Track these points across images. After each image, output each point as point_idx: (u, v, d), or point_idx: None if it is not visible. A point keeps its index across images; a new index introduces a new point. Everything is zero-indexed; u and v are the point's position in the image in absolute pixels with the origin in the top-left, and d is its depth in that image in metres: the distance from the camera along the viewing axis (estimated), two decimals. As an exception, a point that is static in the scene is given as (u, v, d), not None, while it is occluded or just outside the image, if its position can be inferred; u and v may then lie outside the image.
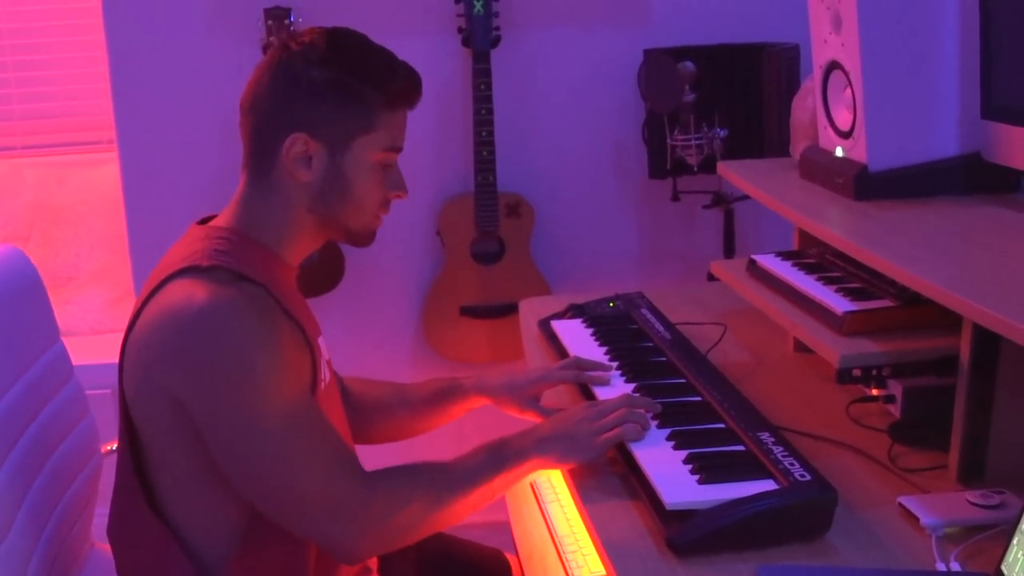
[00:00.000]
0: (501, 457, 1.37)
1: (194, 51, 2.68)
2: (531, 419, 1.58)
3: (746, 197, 2.56)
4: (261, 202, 1.37)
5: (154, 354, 1.28)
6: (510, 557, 1.72)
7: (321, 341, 1.46)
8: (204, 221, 1.43)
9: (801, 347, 1.80)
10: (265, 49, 2.57)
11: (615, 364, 1.62)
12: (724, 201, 2.57)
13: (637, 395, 1.46)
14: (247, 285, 1.30)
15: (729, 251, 2.62)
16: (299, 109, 1.33)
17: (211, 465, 1.30)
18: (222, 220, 1.39)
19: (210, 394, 1.25)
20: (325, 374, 1.42)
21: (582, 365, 1.61)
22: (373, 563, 1.55)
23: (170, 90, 2.70)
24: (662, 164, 2.60)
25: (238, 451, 1.26)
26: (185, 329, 1.25)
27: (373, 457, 1.43)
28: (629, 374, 1.59)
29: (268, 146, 1.35)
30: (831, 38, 1.70)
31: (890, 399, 1.52)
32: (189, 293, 1.27)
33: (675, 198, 2.63)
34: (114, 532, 1.42)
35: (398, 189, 1.42)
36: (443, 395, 1.65)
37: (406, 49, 1.48)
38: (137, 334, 1.31)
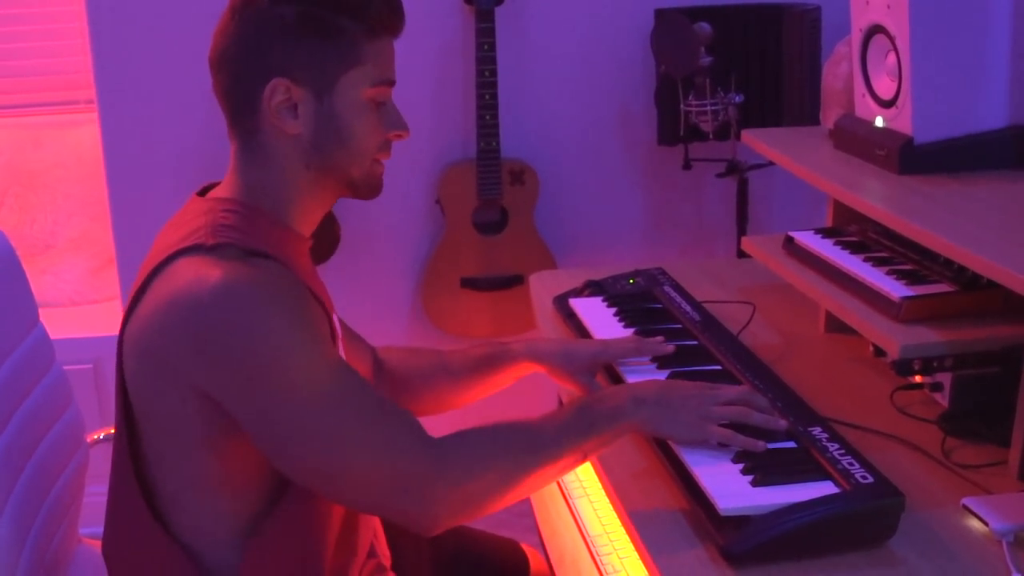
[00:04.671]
0: (592, 417, 1.24)
1: (180, 3, 2.53)
2: (583, 395, 1.46)
3: (761, 166, 2.47)
4: (255, 168, 1.25)
5: (168, 344, 1.15)
6: (526, 548, 1.63)
7: (335, 320, 1.35)
8: (204, 191, 1.30)
9: (832, 327, 1.71)
10: None
11: (644, 348, 1.52)
12: (738, 170, 2.47)
13: (759, 396, 1.30)
14: (259, 260, 1.18)
15: (742, 222, 2.52)
16: (273, 53, 1.21)
17: (220, 465, 1.19)
18: (222, 191, 1.27)
19: (244, 382, 1.13)
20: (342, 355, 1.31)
21: (643, 340, 1.49)
22: (386, 557, 1.46)
23: (153, 46, 2.55)
24: (674, 130, 2.49)
25: (287, 437, 1.14)
26: (204, 313, 1.12)
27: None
28: (661, 360, 1.49)
29: (247, 102, 1.23)
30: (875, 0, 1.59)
31: (937, 387, 1.44)
32: (200, 273, 1.14)
33: (687, 166, 2.52)
34: (111, 543, 1.30)
35: (397, 128, 1.29)
36: (489, 361, 1.52)
37: (404, 5, 1.35)
38: (141, 322, 1.18)
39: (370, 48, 1.23)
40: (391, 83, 1.27)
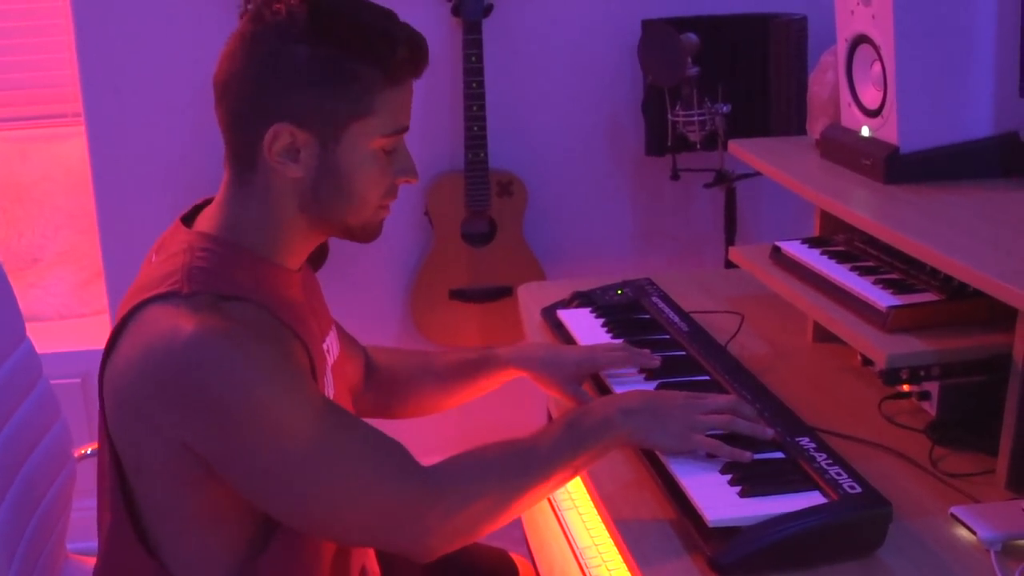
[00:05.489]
0: (581, 432, 1.22)
1: (166, 16, 2.53)
2: (569, 403, 1.46)
3: (748, 176, 2.48)
4: (246, 203, 1.20)
5: (145, 397, 1.12)
6: (515, 557, 1.63)
7: (329, 341, 1.33)
8: (194, 212, 1.26)
9: (820, 336, 1.71)
10: (242, 16, 2.42)
11: (632, 359, 1.52)
12: (726, 180, 2.47)
13: (746, 405, 1.30)
14: (235, 306, 1.14)
15: (731, 232, 2.52)
16: (280, 96, 1.14)
17: (208, 507, 1.17)
18: (206, 223, 1.22)
19: (225, 438, 1.10)
20: (329, 389, 1.28)
21: (631, 350, 1.49)
22: (375, 571, 1.45)
23: (141, 59, 2.55)
24: (662, 140, 2.50)
25: (272, 487, 1.13)
26: (178, 367, 1.09)
27: (404, 432, 1.28)
28: (648, 370, 1.49)
29: (248, 138, 1.16)
30: (859, 9, 1.60)
31: (924, 396, 1.44)
32: (173, 326, 1.10)
33: (675, 176, 2.52)
34: (105, 573, 1.28)
35: (406, 174, 1.22)
36: (476, 365, 1.51)
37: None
38: (118, 370, 1.15)
39: (385, 96, 1.16)
40: (404, 130, 1.20)
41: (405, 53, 1.16)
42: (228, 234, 1.20)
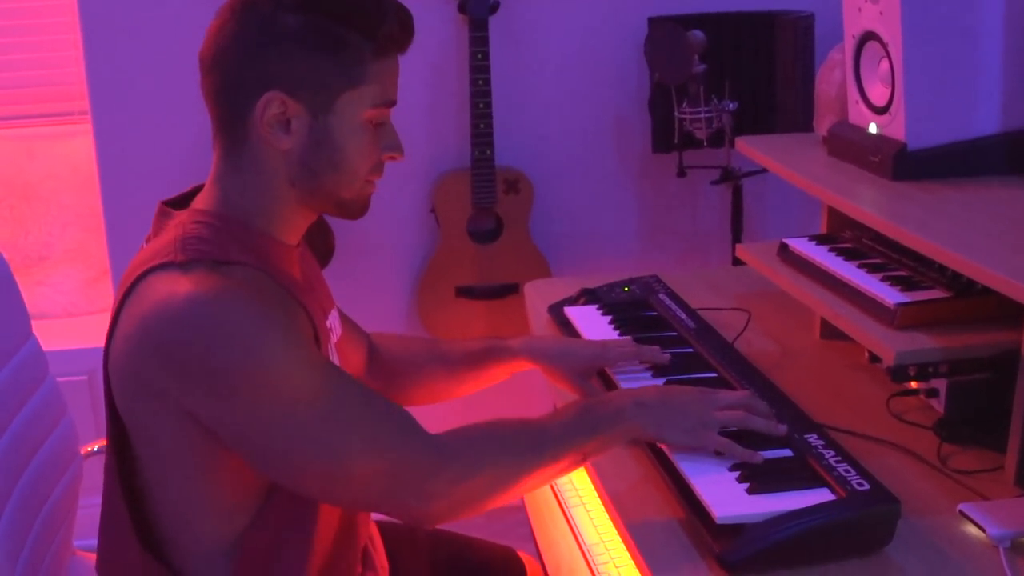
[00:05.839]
0: (594, 418, 1.23)
1: (173, 14, 2.53)
2: (577, 397, 1.46)
3: (755, 173, 2.47)
4: (237, 177, 1.20)
5: (146, 366, 1.12)
6: (523, 556, 1.63)
7: (332, 320, 1.33)
8: (179, 202, 1.26)
9: (828, 333, 1.71)
10: None
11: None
12: (733, 177, 2.47)
13: (760, 401, 1.30)
14: (233, 269, 1.14)
15: (737, 229, 2.52)
16: (272, 63, 1.14)
17: (212, 483, 1.17)
18: (200, 201, 1.23)
19: (224, 396, 1.09)
20: (333, 360, 1.28)
21: (641, 347, 1.49)
22: (384, 569, 1.45)
23: (147, 56, 2.55)
24: (668, 138, 2.49)
25: (276, 448, 1.11)
26: (175, 329, 1.09)
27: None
28: (656, 367, 1.49)
29: (237, 110, 1.17)
30: (867, 7, 1.60)
31: (932, 393, 1.43)
32: (169, 289, 1.10)
33: (681, 173, 2.52)
34: (104, 568, 1.28)
35: (392, 150, 1.23)
36: (486, 355, 1.51)
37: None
38: (120, 345, 1.15)
39: (375, 67, 1.18)
40: (392, 103, 1.22)
41: (394, 24, 1.18)
42: (223, 209, 1.20)
